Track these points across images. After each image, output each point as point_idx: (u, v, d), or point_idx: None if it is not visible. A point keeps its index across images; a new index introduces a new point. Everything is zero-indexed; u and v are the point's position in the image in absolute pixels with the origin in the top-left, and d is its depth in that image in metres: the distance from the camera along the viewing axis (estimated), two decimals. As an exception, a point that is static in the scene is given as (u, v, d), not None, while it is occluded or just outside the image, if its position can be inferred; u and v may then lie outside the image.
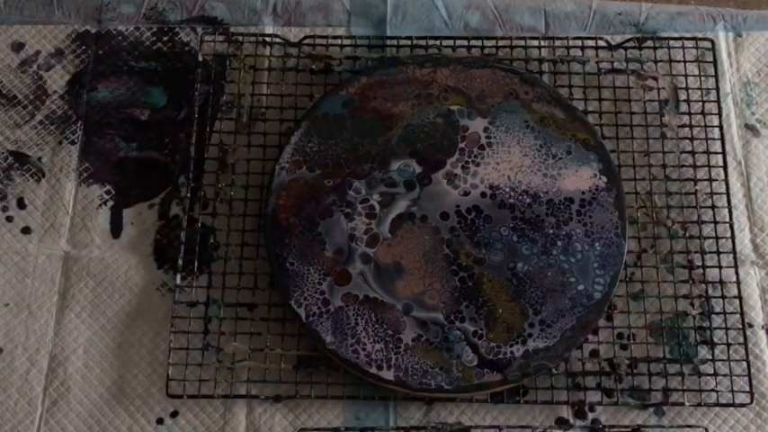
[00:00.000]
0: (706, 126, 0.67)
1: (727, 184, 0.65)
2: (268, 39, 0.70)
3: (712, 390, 0.60)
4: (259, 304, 0.63)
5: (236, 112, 0.68)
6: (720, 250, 0.64)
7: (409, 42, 0.69)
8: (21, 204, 0.66)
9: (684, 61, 0.69)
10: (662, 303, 0.63)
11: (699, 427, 0.60)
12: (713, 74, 0.69)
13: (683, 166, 0.66)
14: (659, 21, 0.72)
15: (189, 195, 0.65)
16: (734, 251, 0.63)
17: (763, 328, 0.63)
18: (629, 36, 0.70)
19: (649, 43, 0.69)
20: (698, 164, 0.66)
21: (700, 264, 0.63)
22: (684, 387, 0.60)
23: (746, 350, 0.61)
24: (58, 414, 0.61)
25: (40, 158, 0.68)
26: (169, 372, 0.60)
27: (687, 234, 0.64)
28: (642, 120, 0.67)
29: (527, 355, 0.59)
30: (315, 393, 0.60)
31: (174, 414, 0.61)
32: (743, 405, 0.60)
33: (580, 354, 0.61)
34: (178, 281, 0.63)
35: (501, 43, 0.69)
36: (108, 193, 0.67)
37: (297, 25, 0.72)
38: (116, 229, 0.66)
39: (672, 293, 0.63)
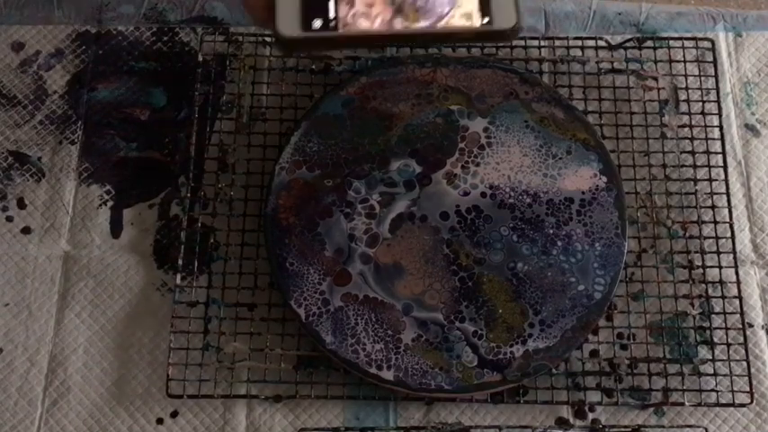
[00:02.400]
0: (706, 126, 0.67)
1: (727, 184, 0.65)
2: (268, 39, 0.70)
3: (712, 390, 0.60)
4: (259, 304, 0.63)
5: (236, 112, 0.68)
6: (720, 250, 0.64)
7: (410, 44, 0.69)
8: (21, 204, 0.66)
9: (684, 61, 0.69)
10: (662, 303, 0.63)
11: (699, 427, 0.60)
12: (713, 74, 0.69)
13: (683, 166, 0.66)
14: (659, 21, 0.72)
15: (189, 195, 0.65)
16: (734, 251, 0.63)
17: (763, 328, 0.63)
18: (629, 36, 0.70)
19: (649, 43, 0.69)
20: (698, 164, 0.66)
21: (700, 264, 0.63)
22: (684, 387, 0.60)
23: (746, 350, 0.61)
24: (57, 414, 0.61)
25: (40, 158, 0.68)
26: (169, 372, 0.60)
27: (687, 234, 0.64)
28: (642, 120, 0.67)
29: (527, 356, 0.59)
30: (315, 393, 0.60)
31: (174, 414, 0.61)
32: (743, 405, 0.60)
33: (580, 354, 0.61)
34: (178, 281, 0.63)
35: (501, 43, 0.69)
36: (108, 193, 0.67)
37: (297, 25, 0.72)
38: (116, 229, 0.66)
39: (672, 293, 0.63)
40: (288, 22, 0.50)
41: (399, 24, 0.50)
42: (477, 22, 0.49)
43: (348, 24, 0.50)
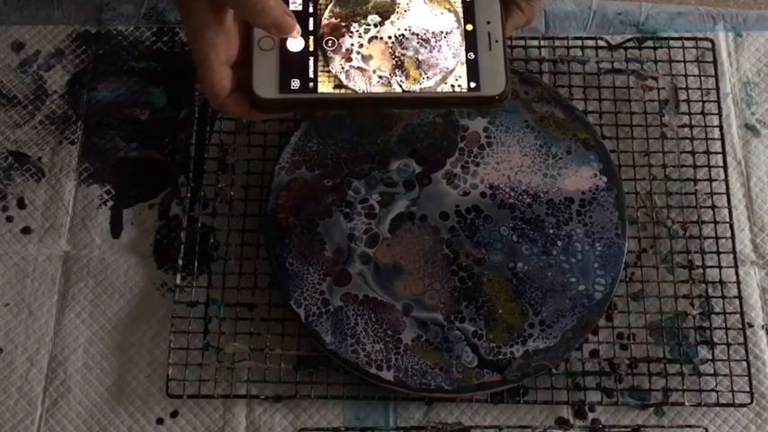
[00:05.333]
0: (706, 126, 0.67)
1: (727, 184, 0.65)
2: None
3: (712, 390, 0.60)
4: (259, 304, 0.63)
5: (236, 111, 0.68)
6: (720, 250, 0.64)
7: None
8: (21, 204, 0.66)
9: (684, 61, 0.69)
10: (662, 303, 0.63)
11: (699, 427, 0.60)
12: (713, 74, 0.68)
13: (683, 166, 0.66)
14: (659, 21, 0.72)
15: (189, 195, 0.65)
16: (734, 251, 0.63)
17: (763, 328, 0.63)
18: (629, 36, 0.70)
19: (649, 43, 0.69)
20: (698, 164, 0.66)
21: (700, 264, 0.63)
22: (684, 387, 0.60)
23: (746, 350, 0.61)
24: (58, 414, 0.61)
25: (40, 158, 0.68)
26: (169, 372, 0.60)
27: (687, 234, 0.64)
28: (642, 120, 0.67)
29: (527, 356, 0.59)
30: (315, 393, 0.60)
31: (174, 414, 0.61)
32: (743, 405, 0.60)
33: (580, 354, 0.61)
34: (178, 281, 0.63)
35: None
36: (108, 193, 0.67)
37: (297, 25, 0.72)
38: (116, 229, 0.66)
39: (672, 293, 0.63)
40: (264, 82, 0.47)
41: (396, 83, 0.47)
42: (464, 87, 0.47)
43: (341, 82, 0.47)
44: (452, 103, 0.50)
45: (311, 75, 0.47)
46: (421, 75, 0.48)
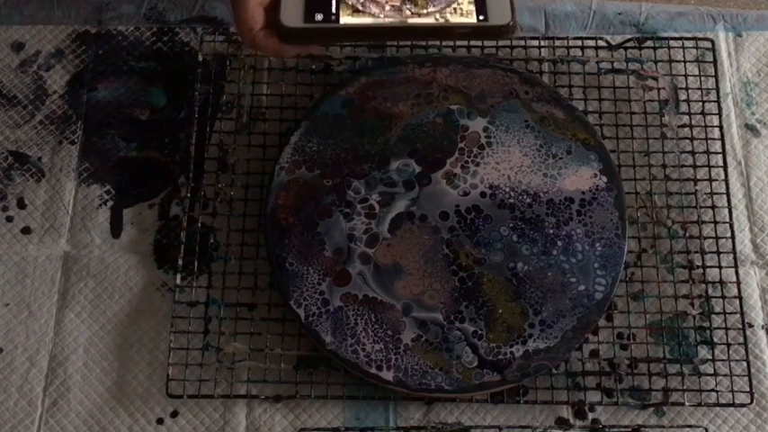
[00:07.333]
0: (706, 126, 0.67)
1: (727, 184, 0.65)
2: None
3: (712, 390, 0.60)
4: (259, 304, 0.63)
5: (236, 112, 0.68)
6: (720, 250, 0.64)
7: (409, 42, 0.69)
8: (21, 204, 0.66)
9: (684, 61, 0.69)
10: (662, 303, 0.63)
11: (699, 427, 0.60)
12: (713, 74, 0.69)
13: (683, 166, 0.66)
14: (659, 21, 0.72)
15: (189, 195, 0.65)
16: (734, 251, 0.63)
17: (763, 328, 0.63)
18: (629, 36, 0.70)
19: (649, 43, 0.69)
20: (698, 164, 0.66)
21: (700, 264, 0.63)
22: (684, 387, 0.60)
23: (746, 350, 0.61)
24: (58, 414, 0.61)
25: (40, 158, 0.68)
26: (169, 372, 0.61)
27: (687, 234, 0.64)
28: (642, 120, 0.67)
29: (527, 356, 0.59)
30: (315, 393, 0.60)
31: (174, 414, 0.61)
32: (743, 405, 0.60)
33: (580, 354, 0.61)
34: (178, 281, 0.63)
35: (501, 43, 0.69)
36: (108, 193, 0.67)
37: (297, 25, 0.72)
38: (116, 229, 0.66)
39: (672, 293, 0.63)
40: (291, 13, 0.53)
41: (407, 10, 0.52)
42: (473, 18, 0.52)
43: (355, 10, 0.52)
44: (463, 33, 0.54)
45: (333, 9, 0.53)
46: (428, 2, 0.53)
